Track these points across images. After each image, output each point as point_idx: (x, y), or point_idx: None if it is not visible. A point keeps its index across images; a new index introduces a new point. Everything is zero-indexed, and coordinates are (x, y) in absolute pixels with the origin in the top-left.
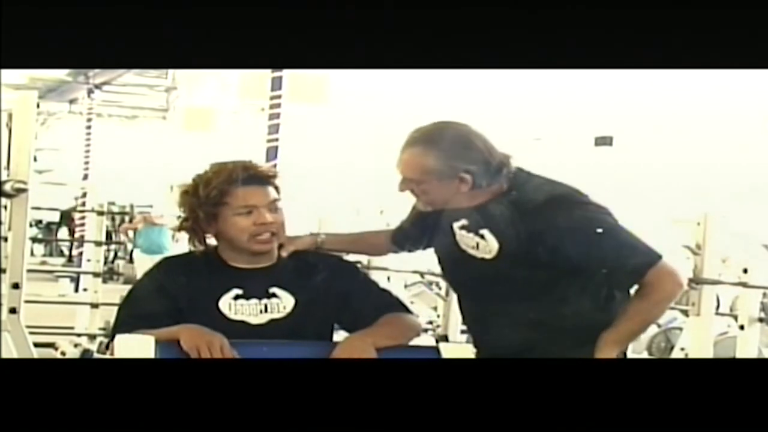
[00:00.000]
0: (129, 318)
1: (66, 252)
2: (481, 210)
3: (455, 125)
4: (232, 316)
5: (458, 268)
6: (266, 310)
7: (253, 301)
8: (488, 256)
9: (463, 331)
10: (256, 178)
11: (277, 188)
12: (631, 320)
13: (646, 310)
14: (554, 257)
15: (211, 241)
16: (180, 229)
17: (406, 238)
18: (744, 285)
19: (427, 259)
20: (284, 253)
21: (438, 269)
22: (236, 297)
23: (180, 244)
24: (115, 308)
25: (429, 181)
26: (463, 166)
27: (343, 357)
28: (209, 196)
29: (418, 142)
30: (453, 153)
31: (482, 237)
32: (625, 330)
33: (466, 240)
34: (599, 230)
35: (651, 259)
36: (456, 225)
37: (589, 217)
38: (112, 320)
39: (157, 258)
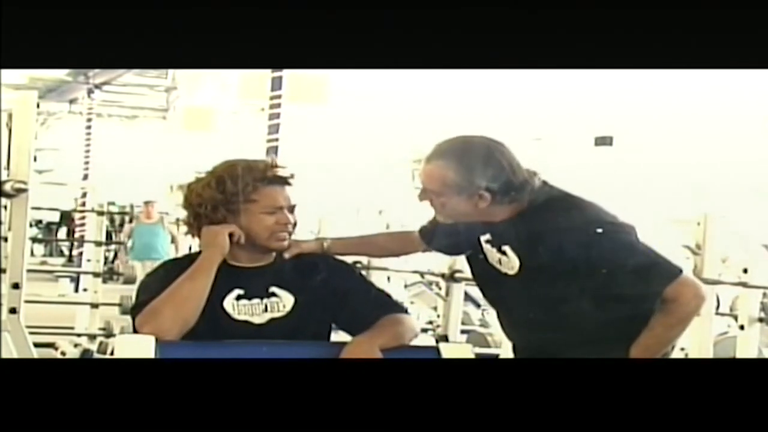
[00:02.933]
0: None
1: (66, 252)
2: (502, 227)
3: (482, 140)
4: (236, 316)
5: (488, 281)
6: (267, 310)
7: (255, 300)
8: (511, 272)
9: (463, 331)
10: (279, 178)
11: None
12: (654, 335)
13: (668, 324)
14: (573, 275)
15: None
16: (193, 223)
17: (435, 235)
18: (744, 285)
19: (427, 259)
20: (287, 255)
21: (438, 270)
22: (238, 297)
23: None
24: (115, 308)
25: (448, 194)
26: (484, 184)
27: (350, 358)
28: (241, 192)
29: (442, 155)
30: (475, 169)
31: (504, 253)
32: (650, 345)
33: (491, 254)
34: (617, 249)
35: (670, 275)
36: (483, 239)
37: (607, 236)
38: (112, 321)
39: (152, 262)
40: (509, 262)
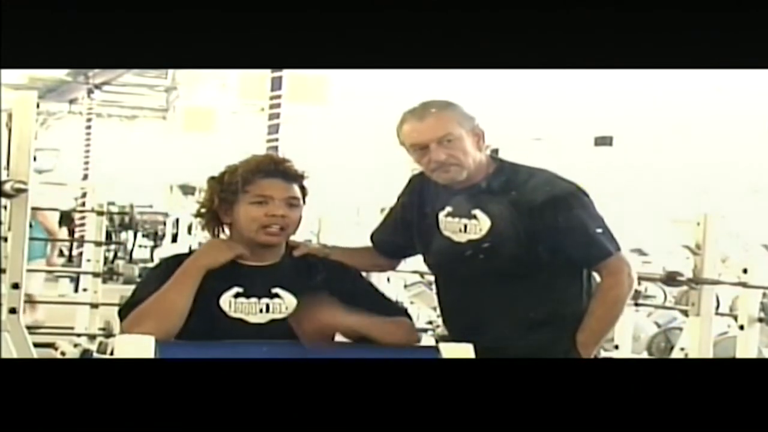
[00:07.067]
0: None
1: (66, 252)
2: (472, 191)
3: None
4: (231, 313)
5: (443, 256)
6: (268, 310)
7: (253, 299)
8: (476, 237)
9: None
10: (282, 173)
11: (303, 188)
12: (594, 318)
13: (603, 306)
14: (525, 241)
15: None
16: (198, 215)
17: (388, 242)
18: (744, 285)
19: None
20: (296, 253)
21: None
22: (237, 295)
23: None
24: (115, 309)
25: (463, 135)
26: (474, 118)
27: (319, 328)
28: (231, 183)
29: (431, 106)
30: (459, 111)
31: (473, 217)
32: (592, 328)
33: (451, 226)
34: (565, 218)
35: (602, 253)
36: (442, 214)
37: (558, 206)
38: (113, 320)
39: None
40: (478, 225)
